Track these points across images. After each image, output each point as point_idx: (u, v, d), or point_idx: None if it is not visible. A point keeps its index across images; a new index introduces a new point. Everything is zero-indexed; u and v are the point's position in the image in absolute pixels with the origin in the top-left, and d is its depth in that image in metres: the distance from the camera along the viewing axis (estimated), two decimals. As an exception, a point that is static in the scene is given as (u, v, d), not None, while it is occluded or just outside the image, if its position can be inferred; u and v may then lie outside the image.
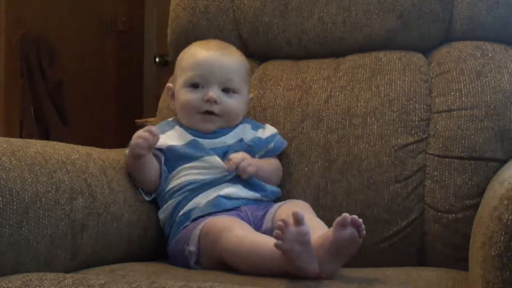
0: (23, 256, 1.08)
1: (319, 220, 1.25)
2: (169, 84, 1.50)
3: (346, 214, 1.07)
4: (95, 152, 1.33)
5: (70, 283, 0.97)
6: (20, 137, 3.11)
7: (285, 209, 1.28)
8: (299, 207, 1.28)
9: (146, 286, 0.95)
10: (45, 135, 3.37)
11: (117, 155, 1.40)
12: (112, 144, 1.54)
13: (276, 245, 1.06)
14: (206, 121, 1.41)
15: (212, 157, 1.37)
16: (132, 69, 3.77)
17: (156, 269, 1.20)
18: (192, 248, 1.24)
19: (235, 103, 1.42)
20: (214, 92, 1.39)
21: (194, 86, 1.42)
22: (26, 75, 3.38)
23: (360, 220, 1.08)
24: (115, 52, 3.96)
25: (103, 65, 3.89)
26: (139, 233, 1.34)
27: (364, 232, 1.09)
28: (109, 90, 3.90)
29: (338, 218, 1.08)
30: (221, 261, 1.19)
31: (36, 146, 1.19)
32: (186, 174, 1.37)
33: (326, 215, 1.36)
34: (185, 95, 1.42)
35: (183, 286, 0.95)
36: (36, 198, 1.11)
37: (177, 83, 1.45)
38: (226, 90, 1.41)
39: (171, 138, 1.41)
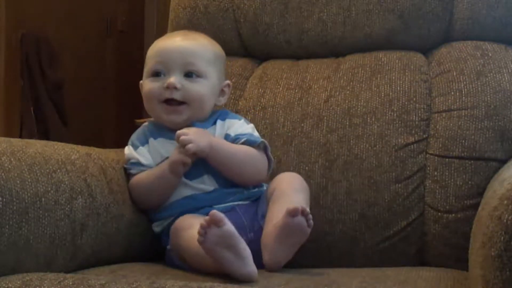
0: (23, 256, 1.08)
1: (304, 199, 1.27)
2: (140, 82, 1.41)
3: (298, 206, 1.12)
4: (95, 152, 1.33)
5: (70, 283, 0.97)
6: (20, 137, 3.11)
7: (276, 183, 1.30)
8: (284, 181, 1.30)
9: (146, 286, 0.95)
10: (45, 135, 3.36)
11: (117, 155, 1.40)
12: (112, 144, 1.54)
13: (198, 241, 1.06)
14: (170, 113, 1.33)
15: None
16: (132, 69, 3.76)
17: (156, 269, 1.20)
18: (170, 246, 1.26)
19: (199, 87, 1.33)
20: (174, 78, 1.32)
21: (156, 74, 1.35)
22: (26, 75, 3.38)
23: (308, 210, 1.14)
24: (115, 52, 3.96)
25: (103, 65, 3.89)
26: (139, 233, 1.34)
27: (312, 222, 1.14)
28: (109, 90, 3.90)
29: (289, 208, 1.12)
30: (183, 257, 1.20)
31: (36, 146, 1.19)
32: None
33: (327, 215, 1.36)
34: (147, 85, 1.36)
35: (183, 286, 0.95)
36: (36, 198, 1.11)
37: (143, 76, 1.39)
38: (189, 75, 1.34)
39: (145, 155, 1.35)
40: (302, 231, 1.14)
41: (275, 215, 1.19)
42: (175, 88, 1.32)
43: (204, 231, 1.05)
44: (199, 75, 1.34)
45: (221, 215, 1.06)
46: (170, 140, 1.33)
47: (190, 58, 1.34)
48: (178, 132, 1.27)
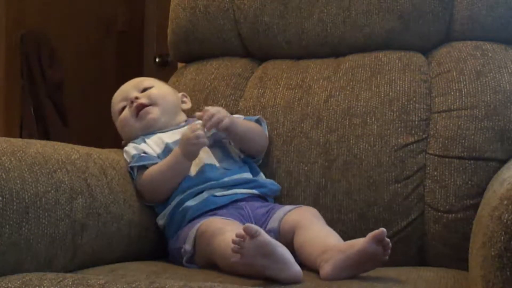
0: (23, 256, 1.08)
1: (330, 228, 1.24)
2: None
3: (384, 230, 1.07)
4: (95, 152, 1.34)
5: (70, 283, 0.97)
6: (20, 137, 3.11)
7: (294, 215, 1.28)
8: (308, 214, 1.29)
9: (146, 286, 0.95)
10: (45, 135, 3.36)
11: (117, 155, 1.40)
12: (112, 144, 1.54)
13: (233, 260, 1.05)
14: (145, 116, 1.45)
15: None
16: (132, 69, 3.76)
17: (156, 269, 1.20)
18: (188, 247, 1.25)
19: (156, 90, 1.48)
20: (133, 94, 1.47)
21: (123, 109, 1.49)
22: (26, 75, 3.38)
23: (390, 244, 1.09)
24: (115, 52, 3.95)
25: (103, 65, 3.88)
26: (139, 233, 1.34)
27: (387, 257, 1.10)
28: (109, 90, 3.89)
29: (376, 231, 1.07)
30: (212, 262, 1.19)
31: (36, 146, 1.19)
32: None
33: (326, 215, 1.36)
34: (120, 119, 1.49)
35: (183, 286, 0.95)
36: (36, 198, 1.11)
37: (114, 121, 1.52)
38: (143, 91, 1.48)
39: (149, 148, 1.43)
40: (377, 261, 1.10)
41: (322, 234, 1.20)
42: (137, 98, 1.46)
43: (238, 246, 1.04)
44: (151, 87, 1.49)
45: (255, 227, 1.04)
46: (164, 132, 1.44)
47: (140, 84, 1.50)
48: (208, 108, 1.35)
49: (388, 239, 1.09)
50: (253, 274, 1.07)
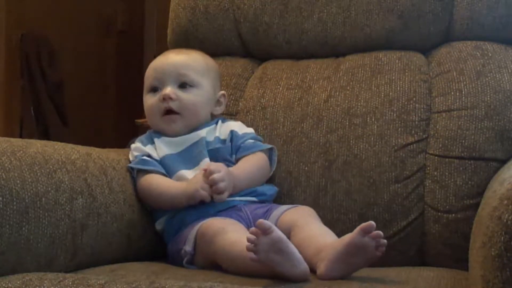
0: (23, 256, 1.08)
1: (326, 228, 1.24)
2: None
3: (372, 222, 1.07)
4: (95, 152, 1.33)
5: (70, 283, 0.97)
6: (20, 137, 3.11)
7: (290, 214, 1.28)
8: (305, 213, 1.29)
9: (146, 286, 0.95)
10: (45, 135, 3.36)
11: (117, 155, 1.40)
12: (112, 144, 1.55)
13: (250, 259, 1.05)
14: (168, 122, 1.42)
15: (181, 172, 1.37)
16: (132, 69, 3.77)
17: (156, 269, 1.20)
18: (188, 248, 1.25)
19: (193, 96, 1.42)
20: (169, 89, 1.41)
21: (154, 90, 1.44)
22: (26, 75, 3.38)
23: (383, 238, 1.08)
24: (115, 52, 3.95)
25: (103, 65, 3.88)
26: (139, 233, 1.34)
27: (383, 249, 1.09)
28: (109, 90, 3.89)
29: (364, 224, 1.07)
30: (214, 262, 1.19)
31: (36, 146, 1.19)
32: None
33: (326, 215, 1.36)
34: (146, 102, 1.45)
35: (183, 286, 0.95)
36: (36, 198, 1.11)
37: (143, 93, 1.47)
38: (182, 86, 1.42)
39: (153, 152, 1.41)
40: (368, 253, 1.08)
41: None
42: (171, 98, 1.40)
43: (254, 242, 1.04)
44: (192, 85, 1.43)
45: (268, 223, 1.04)
46: (171, 138, 1.42)
47: (182, 70, 1.43)
48: (214, 176, 1.27)
49: (381, 233, 1.07)
50: (262, 271, 1.07)
